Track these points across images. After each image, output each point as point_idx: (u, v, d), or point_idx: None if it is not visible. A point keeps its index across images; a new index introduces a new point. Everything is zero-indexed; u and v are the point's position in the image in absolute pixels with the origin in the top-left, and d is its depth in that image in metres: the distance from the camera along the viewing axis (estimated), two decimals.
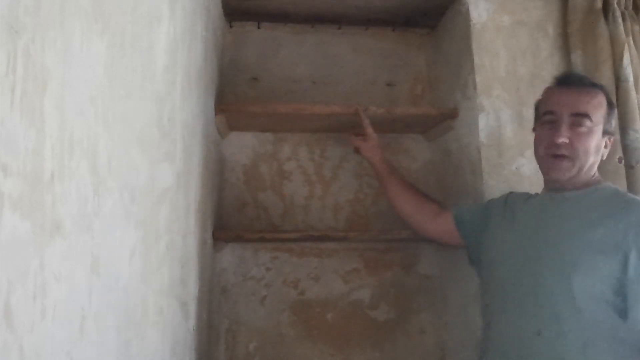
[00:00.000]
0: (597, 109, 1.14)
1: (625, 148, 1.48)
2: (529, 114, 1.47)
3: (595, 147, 1.13)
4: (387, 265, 1.77)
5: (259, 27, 1.86)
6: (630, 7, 1.62)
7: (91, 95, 0.59)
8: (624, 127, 1.49)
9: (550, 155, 1.15)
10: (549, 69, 1.60)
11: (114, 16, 0.66)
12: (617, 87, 1.52)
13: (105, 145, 0.63)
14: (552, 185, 1.20)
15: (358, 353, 1.71)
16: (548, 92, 1.23)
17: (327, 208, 1.79)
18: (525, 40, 1.60)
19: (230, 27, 1.85)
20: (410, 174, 1.82)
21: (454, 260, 1.63)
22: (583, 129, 1.12)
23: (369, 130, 1.54)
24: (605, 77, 1.52)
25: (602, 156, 1.17)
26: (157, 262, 0.90)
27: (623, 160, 1.47)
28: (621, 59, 1.53)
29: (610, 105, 1.18)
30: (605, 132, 1.15)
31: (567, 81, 1.20)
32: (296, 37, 1.88)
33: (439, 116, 1.68)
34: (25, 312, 0.45)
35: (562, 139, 1.11)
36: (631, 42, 1.58)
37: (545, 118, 1.17)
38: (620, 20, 1.56)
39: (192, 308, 1.24)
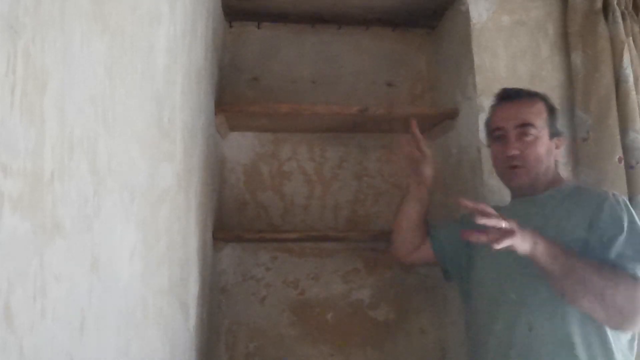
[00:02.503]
0: (538, 116, 1.21)
1: (625, 148, 1.48)
2: None
3: (546, 151, 1.19)
4: (387, 265, 1.77)
5: (259, 27, 1.86)
6: (630, 7, 1.62)
7: (91, 95, 0.59)
8: (624, 127, 1.49)
9: (506, 167, 1.22)
10: (549, 69, 1.60)
11: (114, 16, 0.66)
12: (617, 88, 1.52)
13: (105, 145, 0.63)
14: (518, 193, 1.26)
15: (358, 353, 1.71)
16: (492, 110, 1.29)
17: (327, 208, 1.79)
18: (525, 40, 1.60)
19: (230, 27, 1.85)
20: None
21: None
22: (529, 138, 1.19)
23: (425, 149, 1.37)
24: (605, 77, 1.52)
25: (556, 157, 1.24)
26: (157, 262, 0.89)
27: (623, 161, 1.47)
28: (621, 59, 1.53)
29: (550, 109, 1.24)
30: (552, 135, 1.22)
31: (507, 96, 1.26)
32: (296, 37, 1.88)
33: (439, 116, 1.68)
34: (25, 312, 0.45)
35: (513, 151, 1.18)
36: (631, 42, 1.58)
37: (495, 134, 1.24)
38: (620, 20, 1.56)
39: (192, 308, 1.24)
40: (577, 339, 1.05)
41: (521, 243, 1.00)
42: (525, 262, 1.06)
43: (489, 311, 1.18)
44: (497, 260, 1.18)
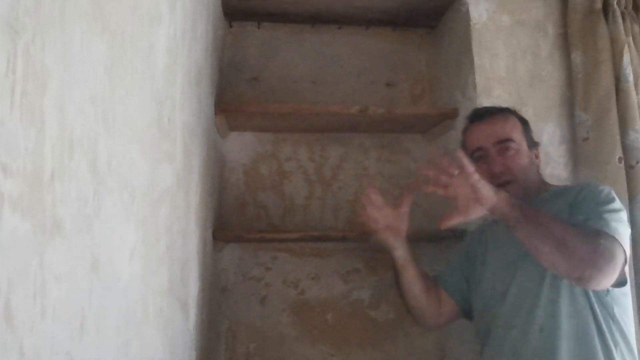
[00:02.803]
0: (514, 129, 1.23)
1: (625, 148, 1.48)
2: (529, 113, 1.47)
3: (528, 162, 1.21)
4: (387, 265, 1.75)
5: (259, 27, 1.86)
6: (630, 7, 1.62)
7: (91, 95, 0.59)
8: (624, 127, 1.49)
9: (495, 185, 1.18)
10: (549, 69, 1.60)
11: (114, 16, 0.66)
12: (617, 87, 1.52)
13: (105, 145, 0.63)
14: None
15: (358, 353, 1.71)
16: (467, 132, 1.29)
17: (327, 208, 1.79)
18: (525, 40, 1.60)
19: (230, 27, 1.85)
20: (411, 174, 1.82)
21: None
22: (511, 152, 1.20)
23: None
24: (605, 77, 1.52)
25: (538, 166, 1.25)
26: (157, 262, 0.89)
27: (623, 160, 1.47)
28: (621, 59, 1.53)
29: (522, 122, 1.26)
30: (529, 146, 1.24)
31: (479, 116, 1.27)
32: (296, 37, 1.88)
33: (439, 116, 1.67)
34: (25, 312, 0.45)
35: (499, 168, 1.19)
36: (631, 42, 1.58)
37: (476, 155, 1.23)
38: (620, 20, 1.56)
39: (192, 308, 1.24)
40: (592, 332, 1.05)
41: (482, 190, 1.03)
42: (529, 264, 1.07)
43: (495, 313, 1.17)
44: (502, 264, 1.19)
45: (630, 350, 1.08)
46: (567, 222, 1.05)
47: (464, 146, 1.28)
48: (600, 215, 1.05)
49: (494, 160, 1.20)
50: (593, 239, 1.01)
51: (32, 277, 0.46)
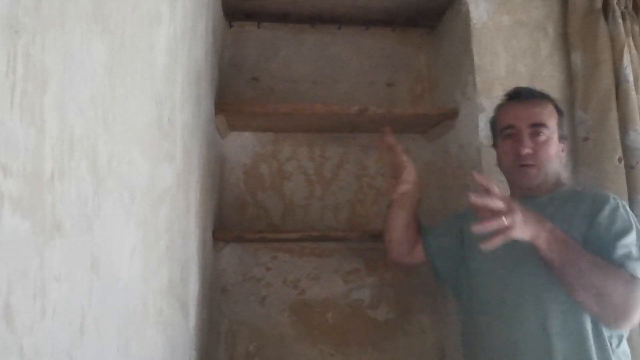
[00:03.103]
0: (551, 117, 1.21)
1: (625, 148, 1.48)
2: None
3: (555, 152, 1.20)
4: (387, 265, 1.77)
5: (259, 27, 1.86)
6: (630, 7, 1.62)
7: (91, 95, 0.59)
8: (624, 127, 1.49)
9: (517, 165, 1.21)
10: (549, 69, 1.60)
11: (114, 16, 0.66)
12: (617, 87, 1.52)
13: (105, 145, 0.63)
14: (521, 193, 1.23)
15: (358, 353, 1.71)
16: (503, 108, 1.28)
17: (327, 208, 1.79)
18: (525, 40, 1.60)
19: (230, 27, 1.85)
20: None
21: None
22: (542, 138, 1.19)
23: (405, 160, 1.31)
24: (605, 77, 1.52)
25: (561, 160, 1.24)
26: (157, 262, 0.90)
27: (623, 161, 1.47)
28: (621, 59, 1.53)
29: (559, 112, 1.24)
30: (560, 138, 1.22)
31: (519, 95, 1.26)
32: (296, 37, 1.88)
33: (439, 116, 1.68)
34: (25, 312, 0.45)
35: (527, 150, 1.18)
36: (631, 42, 1.58)
37: (506, 132, 1.23)
38: (620, 20, 1.56)
39: (192, 308, 1.24)
40: (588, 331, 1.05)
41: (521, 232, 0.98)
42: (532, 257, 1.06)
43: (493, 311, 1.17)
44: (502, 256, 1.15)
45: (624, 350, 1.09)
46: (603, 263, 1.02)
47: (495, 120, 1.29)
48: (629, 255, 1.04)
49: (524, 141, 1.18)
50: (628, 290, 1.00)
51: (32, 277, 0.46)
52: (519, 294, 1.12)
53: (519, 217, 0.98)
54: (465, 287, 1.28)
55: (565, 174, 1.29)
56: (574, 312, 1.06)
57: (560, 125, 1.23)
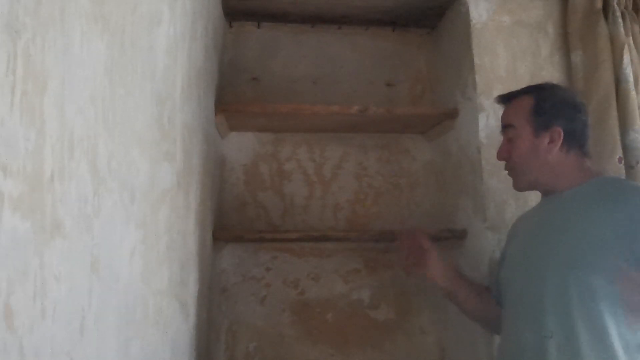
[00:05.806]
0: (518, 113, 1.15)
1: (625, 148, 1.48)
2: None
3: (531, 147, 1.12)
4: (387, 265, 1.77)
5: (259, 27, 1.86)
6: (630, 7, 1.62)
7: (91, 95, 0.59)
8: (624, 127, 1.49)
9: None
10: (549, 69, 1.60)
11: (114, 16, 0.66)
12: (617, 88, 1.52)
13: (105, 145, 0.63)
14: (543, 191, 1.19)
15: (358, 353, 1.71)
16: None
17: (327, 208, 1.79)
18: (525, 40, 1.60)
19: (230, 27, 1.85)
20: (410, 174, 1.82)
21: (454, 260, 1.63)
22: (510, 138, 1.16)
23: (427, 243, 1.29)
24: (605, 77, 1.52)
25: (551, 151, 1.11)
26: (157, 262, 0.89)
27: (623, 160, 1.47)
28: (621, 59, 1.53)
29: (538, 101, 1.13)
30: (539, 129, 1.11)
31: (500, 102, 1.24)
32: (296, 37, 1.88)
33: (439, 116, 1.68)
34: (25, 312, 0.45)
35: (500, 156, 1.19)
36: (631, 42, 1.58)
37: None
38: (620, 20, 1.56)
39: (192, 308, 1.24)
40: (616, 341, 0.97)
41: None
42: (543, 256, 1.06)
43: (517, 318, 1.12)
44: (520, 265, 1.14)
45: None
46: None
47: None
48: None
49: (501, 146, 1.19)
50: None
51: (32, 277, 0.46)
52: (539, 301, 1.05)
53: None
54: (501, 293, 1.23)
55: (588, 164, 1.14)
56: (599, 321, 0.98)
57: (535, 116, 1.11)
